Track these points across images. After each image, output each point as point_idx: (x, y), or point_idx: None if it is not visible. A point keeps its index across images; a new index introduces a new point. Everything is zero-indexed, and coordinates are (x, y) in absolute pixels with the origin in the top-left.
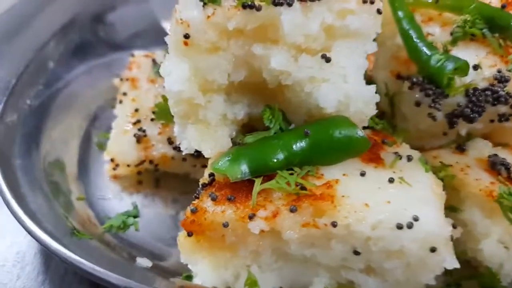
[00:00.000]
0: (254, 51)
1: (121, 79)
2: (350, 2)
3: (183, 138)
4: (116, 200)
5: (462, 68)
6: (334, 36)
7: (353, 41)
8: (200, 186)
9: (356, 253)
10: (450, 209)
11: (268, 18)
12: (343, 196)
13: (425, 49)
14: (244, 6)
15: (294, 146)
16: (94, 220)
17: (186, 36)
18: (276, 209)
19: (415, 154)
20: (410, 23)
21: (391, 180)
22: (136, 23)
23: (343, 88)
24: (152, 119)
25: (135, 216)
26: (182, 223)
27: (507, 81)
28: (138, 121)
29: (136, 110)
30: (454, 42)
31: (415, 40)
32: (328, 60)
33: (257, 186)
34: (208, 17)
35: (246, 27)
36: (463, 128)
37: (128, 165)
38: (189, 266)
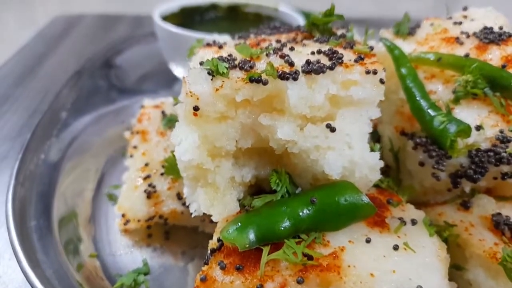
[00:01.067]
0: (261, 121)
1: (132, 132)
2: (353, 73)
3: (192, 200)
4: (127, 256)
5: (465, 130)
6: (339, 105)
7: (357, 109)
8: (209, 251)
9: None
10: (456, 268)
11: (274, 91)
12: (349, 266)
13: (428, 109)
14: (251, 80)
15: (301, 213)
16: (105, 279)
17: (196, 109)
18: (283, 281)
19: (420, 215)
20: (413, 81)
21: (395, 248)
22: (143, 65)
23: (348, 155)
24: (162, 174)
25: (145, 273)
26: None
27: (509, 141)
28: (148, 176)
29: (146, 165)
30: (456, 101)
31: (418, 99)
32: (333, 130)
33: (265, 256)
34: (217, 90)
35: (253, 99)
36: (466, 186)
37: (139, 220)
38: None
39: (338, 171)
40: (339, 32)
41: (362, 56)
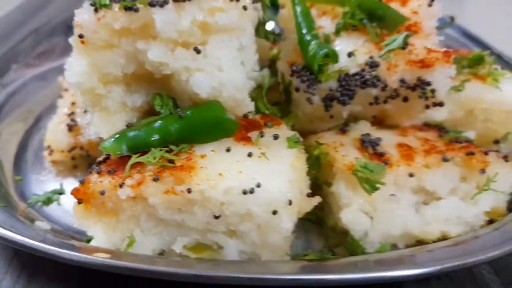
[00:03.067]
0: (138, 47)
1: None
2: (218, 0)
3: (91, 124)
4: (51, 182)
5: (331, 55)
6: (209, 32)
7: (228, 35)
8: (96, 163)
9: (216, 217)
10: (326, 184)
11: (146, 17)
12: (201, 167)
13: (308, 40)
14: (126, 8)
15: (170, 127)
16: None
17: (81, 36)
18: (142, 179)
19: (287, 133)
20: (303, 16)
21: (250, 155)
22: None
23: (218, 76)
24: (85, 111)
25: (60, 193)
26: (71, 192)
27: (376, 66)
28: (73, 113)
29: (73, 104)
30: (337, 32)
31: (303, 32)
32: (198, 51)
33: (132, 160)
34: (99, 19)
35: (131, 26)
36: (344, 111)
37: (62, 151)
38: (86, 231)
39: (206, 90)
40: None
41: None
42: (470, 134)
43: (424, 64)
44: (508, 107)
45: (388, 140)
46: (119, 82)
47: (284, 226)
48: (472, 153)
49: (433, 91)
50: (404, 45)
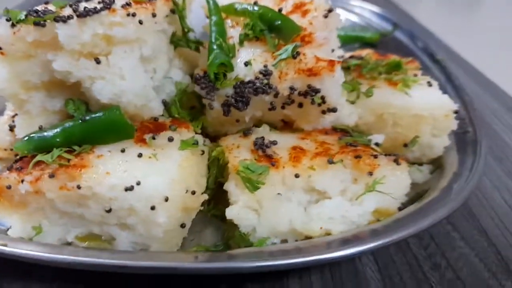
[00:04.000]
0: (48, 57)
1: None
2: (116, 16)
3: (17, 125)
4: None
5: (225, 63)
6: (113, 43)
7: (128, 46)
8: (14, 161)
9: (107, 211)
10: (223, 183)
11: (52, 32)
12: (92, 166)
13: (213, 48)
14: (35, 24)
15: (71, 129)
16: None
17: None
18: (40, 175)
19: (187, 136)
20: (216, 26)
21: (139, 155)
22: None
23: (118, 84)
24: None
25: None
26: None
27: (269, 74)
28: (16, 115)
29: None
30: (240, 43)
31: (212, 40)
32: (98, 62)
33: (35, 159)
34: (14, 33)
35: (42, 39)
36: (245, 115)
37: (5, 149)
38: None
39: (107, 96)
40: None
41: (130, 2)
42: (379, 138)
43: (311, 72)
44: (415, 112)
45: (284, 143)
46: (38, 88)
47: (161, 221)
48: (359, 156)
49: (323, 97)
50: (295, 55)
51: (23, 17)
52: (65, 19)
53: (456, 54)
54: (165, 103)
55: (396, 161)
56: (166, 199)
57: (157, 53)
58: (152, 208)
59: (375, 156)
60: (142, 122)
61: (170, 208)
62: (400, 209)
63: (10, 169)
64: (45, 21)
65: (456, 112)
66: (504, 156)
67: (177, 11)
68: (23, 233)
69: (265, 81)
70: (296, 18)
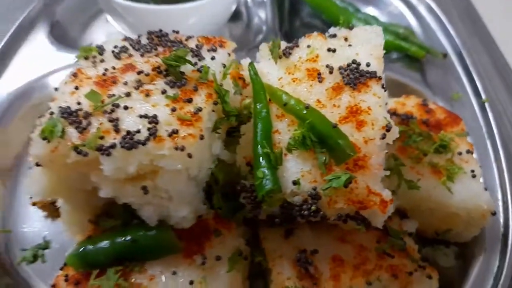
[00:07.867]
0: (91, 178)
1: None
2: (163, 149)
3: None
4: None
5: (274, 191)
6: (160, 171)
7: (175, 173)
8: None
9: None
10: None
11: (95, 160)
12: None
13: (259, 157)
14: (75, 151)
15: (122, 248)
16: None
17: (38, 165)
18: None
19: (231, 247)
20: (262, 119)
21: (191, 283)
22: None
23: (165, 206)
24: None
25: (44, 248)
26: None
27: (318, 199)
28: None
29: None
30: (288, 151)
31: (257, 138)
32: (146, 192)
33: (91, 281)
34: (52, 151)
35: (83, 160)
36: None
37: None
38: None
39: (155, 219)
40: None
41: (176, 129)
42: (411, 227)
43: (362, 205)
44: (453, 210)
45: (324, 250)
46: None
47: None
48: (396, 276)
49: (369, 222)
50: (346, 185)
51: (60, 133)
52: (108, 152)
53: None
54: (206, 192)
55: (429, 277)
56: None
57: (202, 164)
58: None
59: (410, 274)
60: None
61: None
62: None
63: (66, 280)
64: (86, 150)
65: (494, 214)
66: None
67: (221, 100)
68: None
69: (313, 208)
70: (349, 128)
